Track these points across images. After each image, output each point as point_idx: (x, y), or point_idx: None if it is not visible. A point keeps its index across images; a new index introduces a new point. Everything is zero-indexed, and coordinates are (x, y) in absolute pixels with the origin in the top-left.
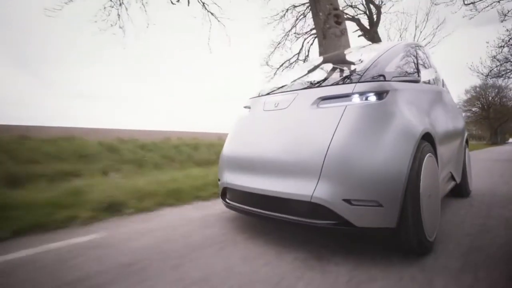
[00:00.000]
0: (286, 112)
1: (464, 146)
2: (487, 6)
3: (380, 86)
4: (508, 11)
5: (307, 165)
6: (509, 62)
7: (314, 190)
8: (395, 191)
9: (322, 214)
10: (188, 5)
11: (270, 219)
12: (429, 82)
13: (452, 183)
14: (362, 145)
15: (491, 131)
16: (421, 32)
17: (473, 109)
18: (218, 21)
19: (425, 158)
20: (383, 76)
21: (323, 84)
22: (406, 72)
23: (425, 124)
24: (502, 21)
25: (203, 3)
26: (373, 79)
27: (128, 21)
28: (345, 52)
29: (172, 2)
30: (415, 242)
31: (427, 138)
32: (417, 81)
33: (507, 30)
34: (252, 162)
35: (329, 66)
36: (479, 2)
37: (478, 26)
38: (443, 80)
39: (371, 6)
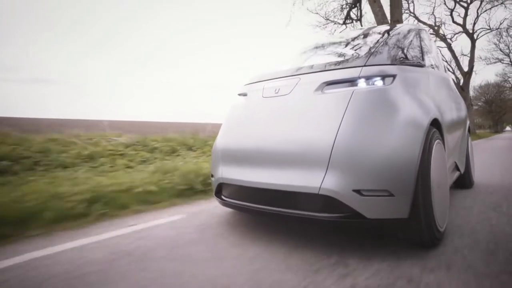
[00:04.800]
0: (288, 98)
1: (467, 135)
2: None
3: (387, 70)
4: None
5: (313, 155)
6: None
7: (322, 181)
8: (407, 179)
9: (331, 206)
10: None
11: (273, 215)
12: (433, 67)
13: (457, 173)
14: (372, 132)
15: (493, 121)
16: None
17: (479, 104)
18: None
19: (434, 145)
20: (390, 59)
21: (327, 68)
22: (412, 55)
23: (434, 110)
24: None
25: None
26: (380, 63)
27: None
28: (348, 34)
29: None
30: (426, 233)
31: (435, 124)
32: (422, 66)
33: None
34: (252, 154)
35: (332, 49)
36: None
37: None
38: (445, 66)
39: None
